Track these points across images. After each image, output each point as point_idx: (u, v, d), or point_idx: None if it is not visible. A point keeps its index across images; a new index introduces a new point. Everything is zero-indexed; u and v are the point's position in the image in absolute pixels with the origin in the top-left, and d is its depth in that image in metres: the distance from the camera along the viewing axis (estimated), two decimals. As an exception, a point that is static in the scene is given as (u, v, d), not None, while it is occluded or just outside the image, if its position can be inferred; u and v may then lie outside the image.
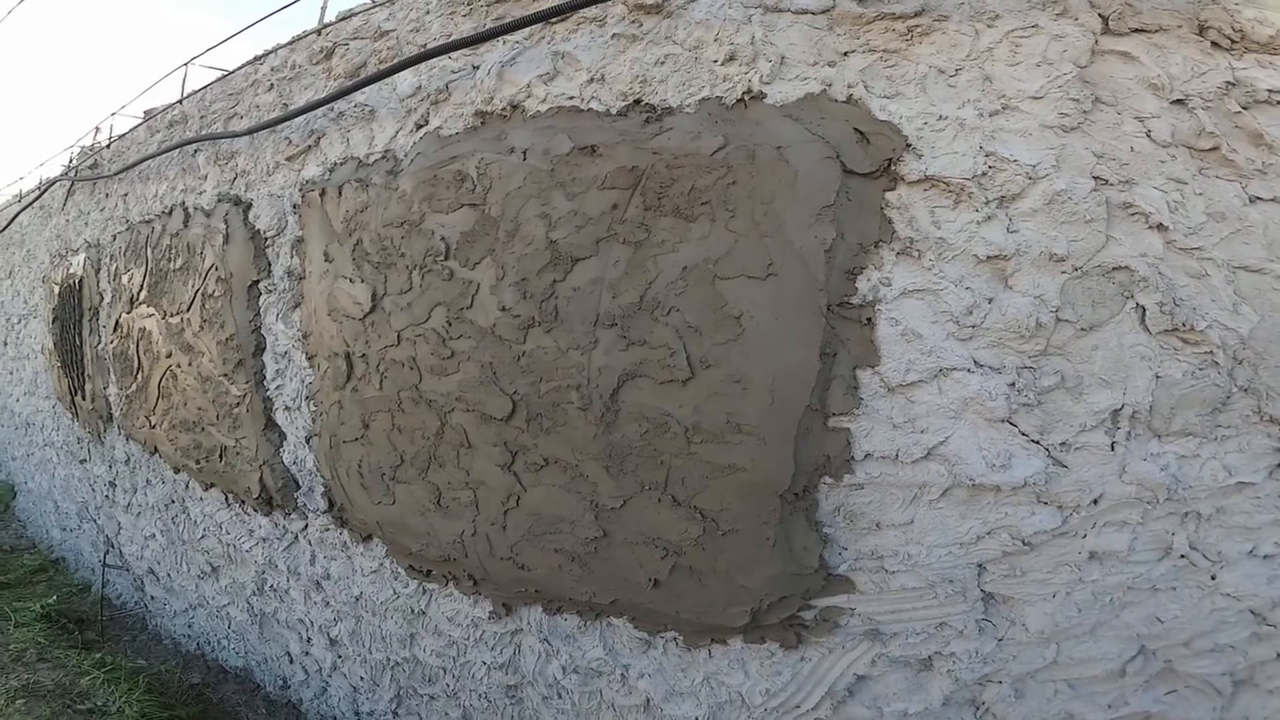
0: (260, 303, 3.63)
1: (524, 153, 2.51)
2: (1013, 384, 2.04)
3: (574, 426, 2.46)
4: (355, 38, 3.26)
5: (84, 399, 5.43)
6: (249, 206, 3.70)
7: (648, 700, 2.57)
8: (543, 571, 2.68)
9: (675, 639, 2.48)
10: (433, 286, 2.71)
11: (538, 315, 2.45)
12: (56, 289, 5.74)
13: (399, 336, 2.85)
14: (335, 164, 3.23)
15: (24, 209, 6.50)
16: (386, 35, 3.12)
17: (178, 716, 4.08)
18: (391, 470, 3.04)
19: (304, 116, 3.38)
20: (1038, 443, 2.07)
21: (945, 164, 2.02)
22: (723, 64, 2.24)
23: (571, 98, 2.49)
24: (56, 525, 6.59)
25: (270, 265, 3.58)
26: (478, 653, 3.04)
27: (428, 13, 2.97)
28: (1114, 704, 2.13)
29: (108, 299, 4.99)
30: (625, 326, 2.30)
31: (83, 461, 5.82)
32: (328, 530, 3.58)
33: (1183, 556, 2.06)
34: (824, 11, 2.15)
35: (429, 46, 2.89)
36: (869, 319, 2.09)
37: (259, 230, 3.61)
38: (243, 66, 4.09)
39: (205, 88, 4.38)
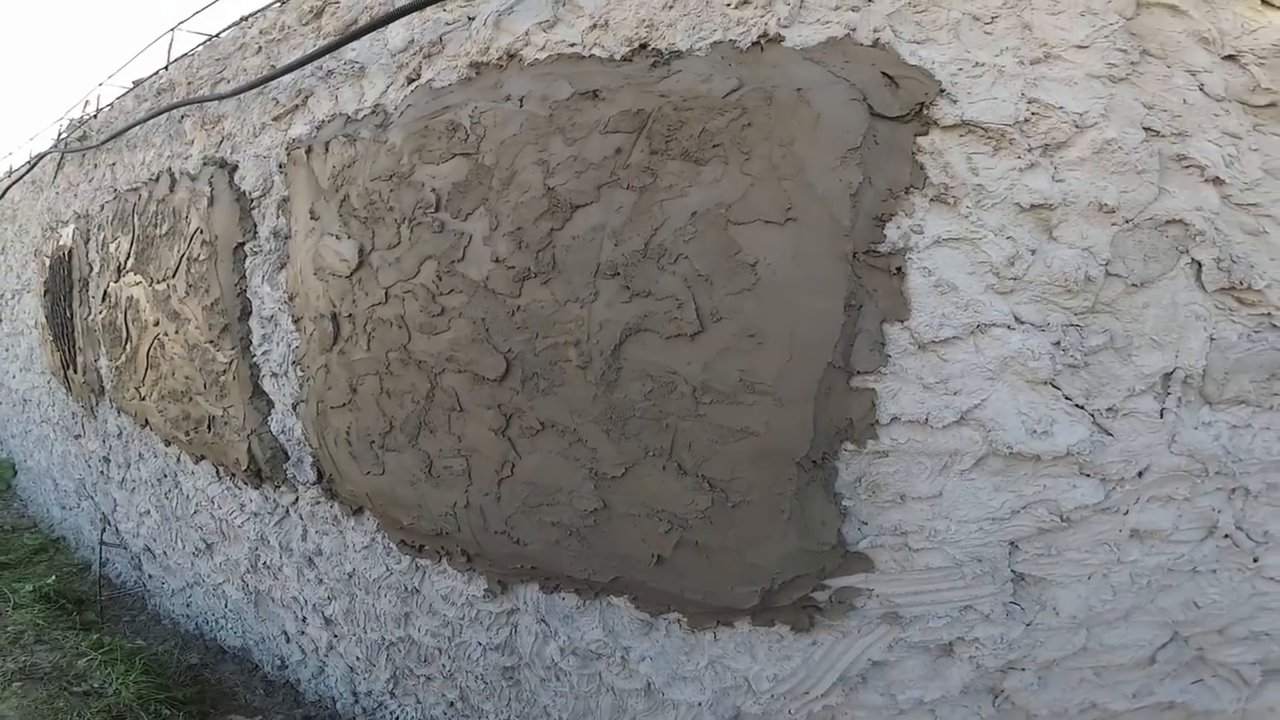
0: (246, 265, 3.37)
1: (520, 100, 2.25)
2: (1057, 343, 1.82)
3: (572, 387, 2.21)
4: (346, -7, 2.99)
5: (76, 372, 5.16)
6: (234, 168, 3.43)
7: (649, 684, 2.34)
8: (539, 546, 2.44)
9: (679, 620, 2.25)
10: (422, 240, 2.45)
11: (534, 266, 2.20)
12: (47, 262, 5.47)
13: (387, 294, 2.59)
14: (323, 121, 2.97)
15: (14, 183, 6.21)
16: None
17: (175, 698, 3.84)
18: (380, 438, 2.79)
19: (292, 76, 3.11)
20: (1082, 408, 1.86)
21: (984, 109, 1.78)
22: (736, 7, 1.99)
23: (573, 45, 2.23)
24: (56, 503, 6.33)
25: (256, 227, 3.31)
26: (473, 633, 2.81)
27: None
28: (1139, 693, 1.96)
29: (96, 269, 4.72)
30: (628, 276, 2.05)
31: (77, 437, 5.56)
32: (318, 504, 3.33)
33: (1226, 536, 1.88)
34: None
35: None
36: (898, 268, 1.85)
37: (245, 191, 3.35)
38: (230, 28, 3.81)
39: (191, 52, 4.10)
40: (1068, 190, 1.77)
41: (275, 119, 3.23)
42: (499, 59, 2.37)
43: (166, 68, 4.22)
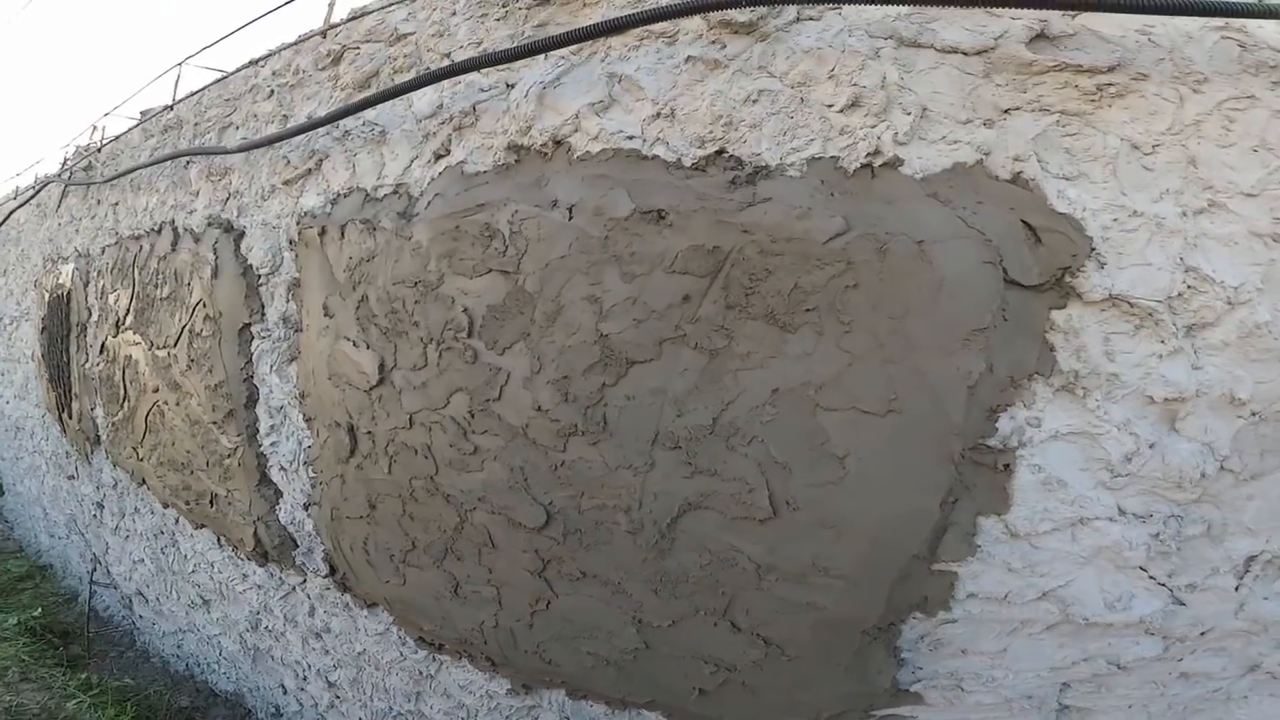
0: (253, 349, 3.06)
1: (569, 209, 1.95)
2: (1157, 534, 1.59)
3: (619, 547, 1.95)
4: (368, 40, 2.64)
5: (70, 417, 4.87)
6: (241, 235, 3.12)
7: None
8: (572, 668, 2.22)
9: None
10: (453, 368, 2.16)
11: (581, 423, 1.92)
12: (46, 296, 5.16)
13: (411, 419, 2.30)
14: (339, 195, 2.65)
15: (19, 207, 5.88)
16: (404, 39, 2.49)
17: None
18: (402, 554, 2.52)
19: (305, 135, 2.80)
20: (1164, 585, 1.65)
21: (1134, 279, 1.49)
22: (842, 110, 1.65)
23: (631, 137, 1.89)
24: (45, 531, 6.06)
25: (264, 308, 3.00)
26: None
27: (453, 14, 2.33)
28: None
29: (95, 316, 4.41)
30: (691, 451, 1.78)
31: (71, 477, 5.27)
32: (329, 590, 3.07)
33: (1268, 673, 1.73)
34: (980, 52, 1.57)
35: (454, 55, 2.29)
36: (1006, 465, 1.58)
37: (251, 265, 3.03)
38: (242, 69, 3.49)
39: (201, 90, 3.77)
40: (1203, 380, 1.51)
41: (286, 183, 2.91)
42: (543, 144, 2.04)
43: (173, 106, 3.90)
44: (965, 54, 1.58)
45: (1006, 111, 1.57)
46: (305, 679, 3.42)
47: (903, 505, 1.61)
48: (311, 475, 2.84)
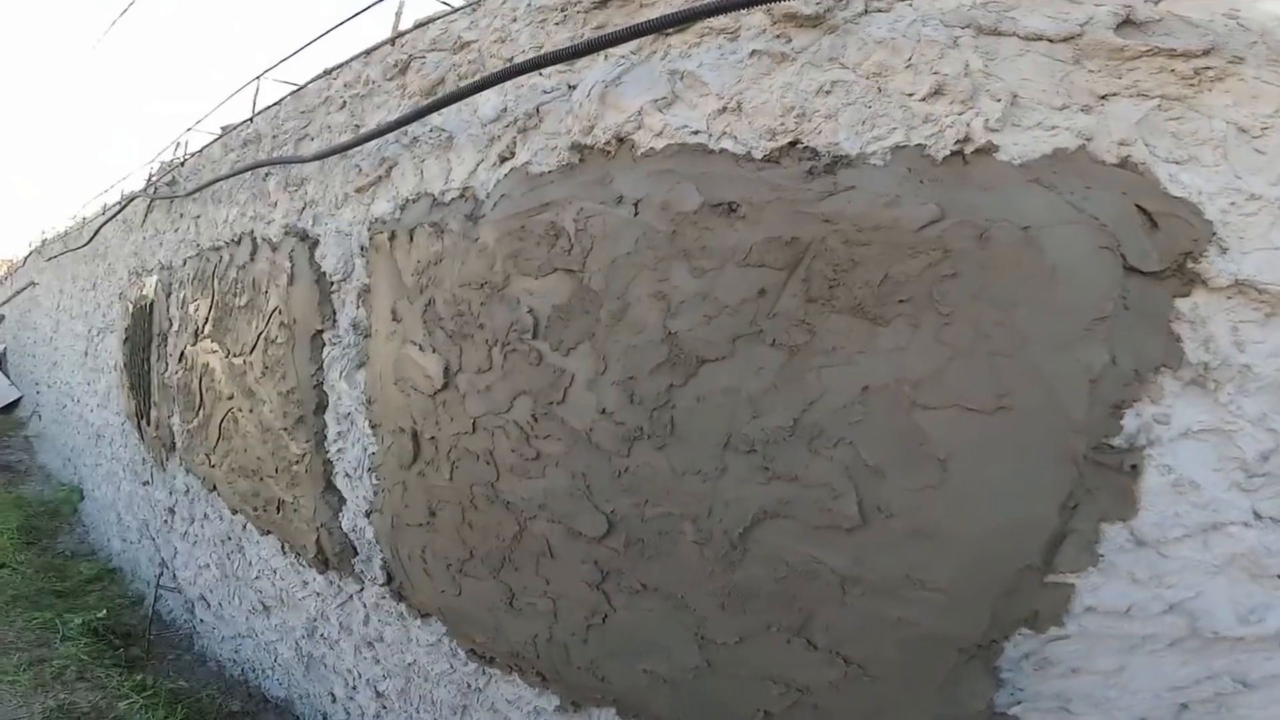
0: (324, 355, 3.07)
1: (635, 205, 1.88)
2: None
3: (684, 559, 1.84)
4: (433, 49, 2.67)
5: (149, 425, 5.00)
6: (315, 244, 3.16)
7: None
8: (625, 687, 2.09)
9: None
10: (516, 370, 2.11)
11: (647, 426, 1.83)
12: (130, 308, 5.34)
13: (474, 424, 2.25)
14: (407, 200, 2.66)
15: (106, 222, 6.13)
16: (468, 46, 2.51)
17: None
18: (459, 563, 2.46)
19: (375, 142, 2.84)
20: None
21: (1260, 264, 1.34)
22: (924, 99, 1.55)
23: (696, 132, 1.83)
24: (118, 536, 6.22)
25: (335, 314, 3.02)
26: None
27: (514, 20, 2.34)
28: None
29: (175, 326, 4.54)
30: (768, 455, 1.66)
31: (145, 483, 5.41)
32: (384, 599, 3.04)
33: None
34: (1067, 39, 1.46)
35: (516, 60, 2.28)
36: (1134, 466, 1.42)
37: (325, 272, 3.06)
38: (315, 80, 3.56)
39: (278, 104, 3.88)
40: None
41: (358, 190, 2.94)
42: (606, 143, 2.00)
43: (252, 119, 4.01)
44: (1051, 41, 1.48)
45: (1104, 97, 1.45)
46: (355, 688, 3.38)
47: (1015, 511, 1.46)
48: (375, 482, 2.82)
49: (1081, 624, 1.53)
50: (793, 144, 1.70)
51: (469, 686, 2.69)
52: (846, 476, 1.58)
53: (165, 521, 5.13)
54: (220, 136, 4.54)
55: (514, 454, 2.13)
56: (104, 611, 5.10)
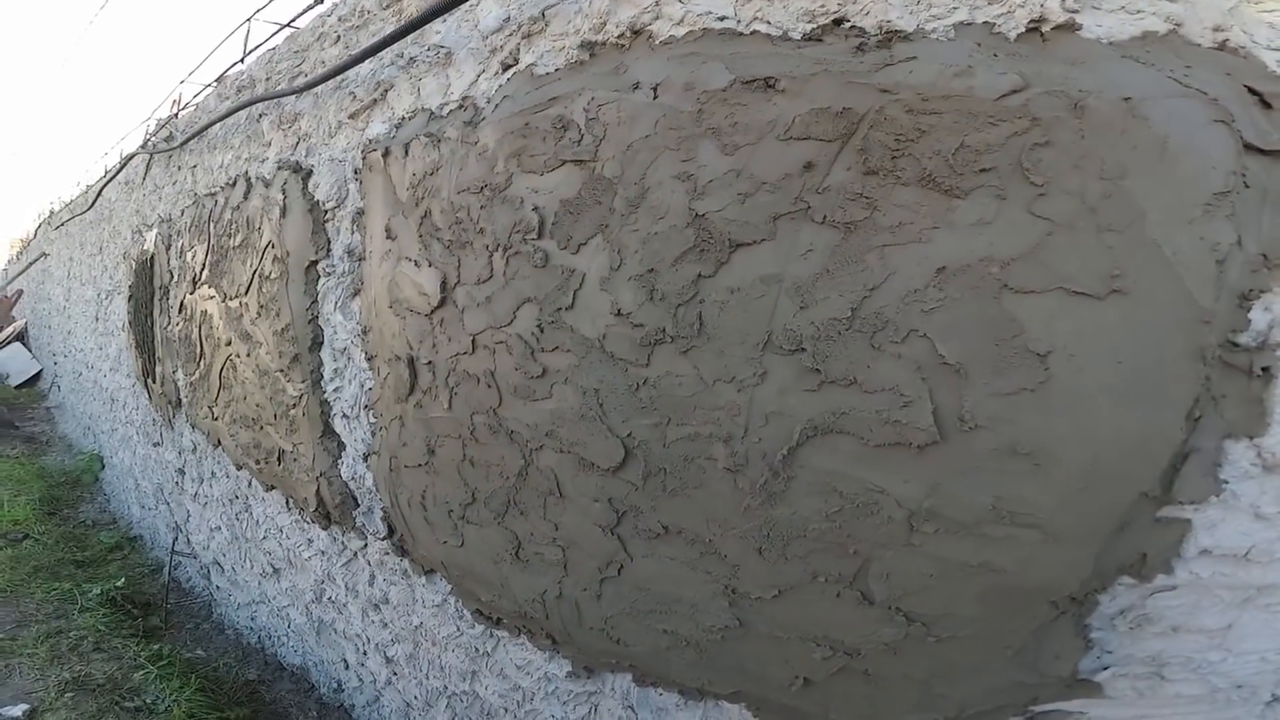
0: (319, 288, 2.78)
1: (654, 88, 1.57)
2: None
3: (715, 492, 1.53)
4: (430, -32, 2.38)
5: (155, 381, 4.75)
6: (309, 174, 2.86)
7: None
8: (643, 650, 1.81)
9: None
10: (520, 275, 1.80)
11: (670, 326, 1.51)
12: (133, 265, 5.08)
13: (474, 342, 1.95)
14: (404, 119, 2.36)
15: (106, 183, 5.87)
16: None
17: (226, 718, 3.49)
18: (461, 508, 2.17)
19: (370, 67, 2.55)
20: None
21: None
22: None
23: (723, 18, 1.52)
24: (136, 503, 6.00)
25: (330, 243, 2.72)
26: (546, 705, 2.21)
27: None
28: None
29: (175, 277, 4.26)
30: (820, 355, 1.34)
31: (156, 444, 5.17)
32: (388, 554, 2.77)
33: None
34: None
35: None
36: (1265, 368, 1.13)
37: (318, 201, 2.76)
38: (303, 13, 3.27)
39: (270, 45, 3.59)
40: None
41: (351, 116, 2.65)
42: (619, 36, 1.69)
43: (243, 60, 3.71)
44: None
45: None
46: (365, 653, 3.16)
47: (1133, 422, 1.15)
48: (372, 421, 2.53)
49: (1193, 570, 1.24)
50: (837, 22, 1.40)
51: (477, 650, 2.45)
52: (920, 378, 1.27)
53: (176, 484, 4.90)
54: (215, 85, 4.26)
55: (517, 372, 1.82)
56: (122, 580, 4.91)
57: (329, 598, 3.33)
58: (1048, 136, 1.17)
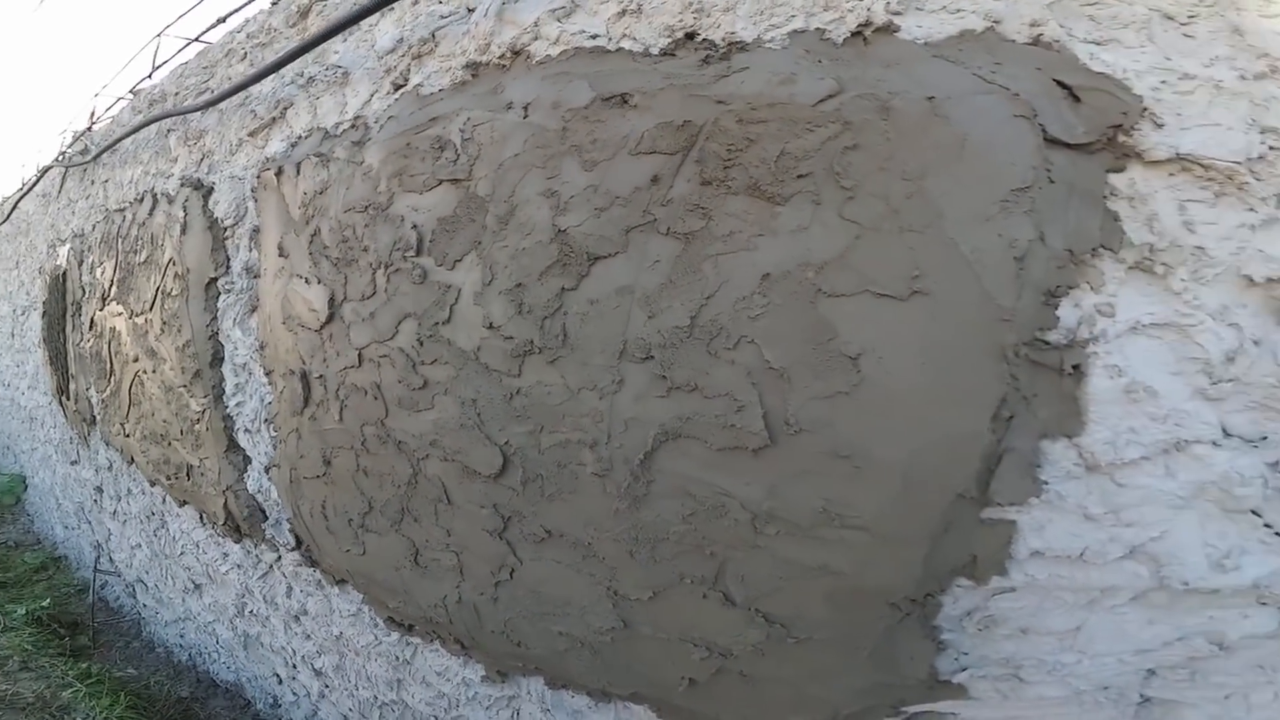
0: (219, 304, 2.68)
1: (525, 108, 1.56)
2: (1275, 463, 1.15)
3: (587, 496, 1.53)
4: (336, -9, 2.32)
5: (69, 399, 4.53)
6: (210, 191, 2.76)
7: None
8: (543, 652, 1.79)
9: None
10: (401, 292, 1.77)
11: (538, 338, 1.51)
12: (47, 280, 4.83)
13: (360, 356, 1.91)
14: (300, 137, 2.30)
15: (22, 196, 5.57)
16: None
17: None
18: (360, 517, 2.13)
19: (271, 86, 2.48)
20: None
21: (1203, 139, 1.09)
22: None
23: (595, 36, 1.53)
24: (59, 522, 5.69)
25: (229, 260, 2.63)
26: (471, 711, 2.17)
27: None
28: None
29: (86, 293, 4.07)
30: (666, 362, 1.35)
31: (74, 463, 4.92)
32: (301, 565, 2.69)
33: None
34: None
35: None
36: (1076, 366, 1.15)
37: (218, 219, 2.67)
38: (210, 28, 3.17)
39: (179, 58, 3.48)
40: None
41: (251, 134, 2.57)
42: (500, 56, 1.69)
43: (150, 75, 3.58)
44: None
45: (1010, -17, 1.19)
46: (295, 666, 3.04)
47: (941, 422, 1.16)
48: (273, 434, 2.46)
49: (1028, 572, 1.25)
50: (689, 36, 1.42)
51: (398, 659, 2.39)
52: (750, 383, 1.27)
53: (95, 502, 4.66)
54: (130, 99, 4.09)
55: (401, 385, 1.79)
56: (48, 601, 4.64)
57: (251, 611, 3.20)
58: (857, 140, 1.18)
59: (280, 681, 3.23)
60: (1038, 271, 1.11)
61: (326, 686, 2.86)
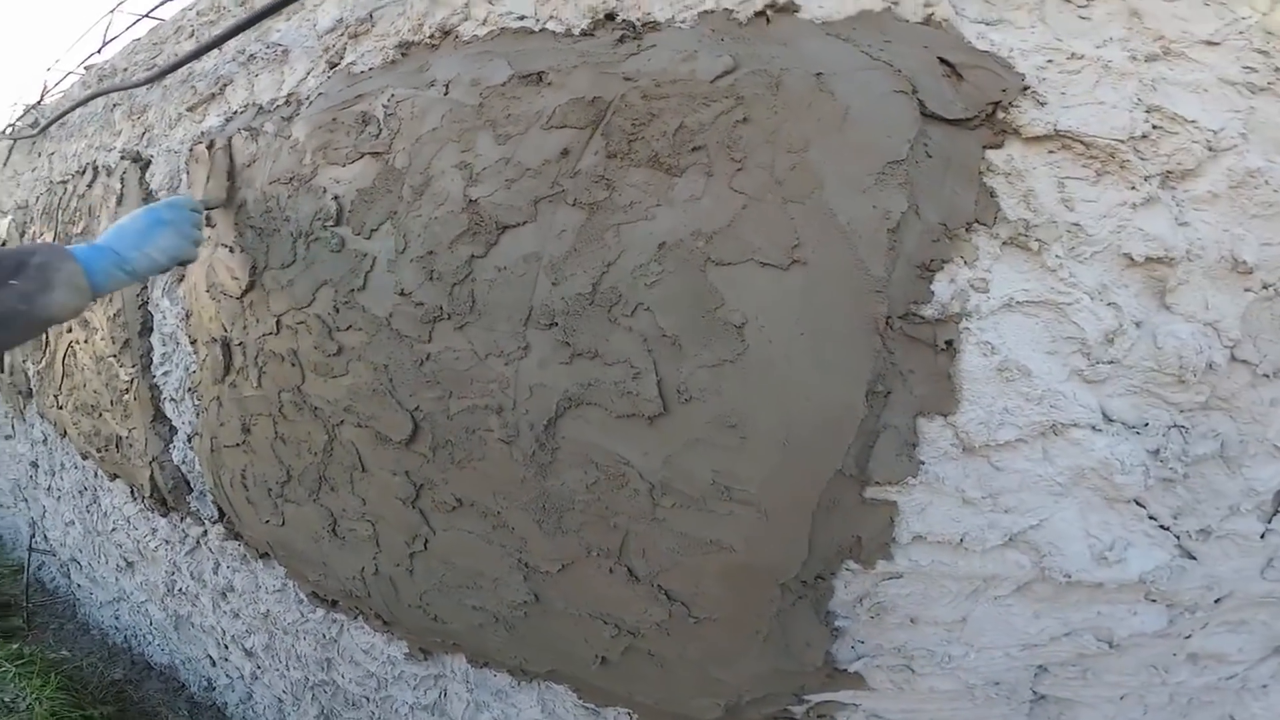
0: (149, 274, 2.59)
1: (446, 86, 1.52)
2: (1156, 451, 1.12)
3: (495, 462, 1.49)
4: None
5: (4, 372, 4.31)
6: (148, 164, 2.65)
7: (597, 764, 1.63)
8: (460, 627, 1.73)
9: (629, 714, 1.57)
10: (319, 260, 1.70)
11: (447, 304, 1.46)
12: (-12, 253, 4.59)
13: (278, 323, 1.84)
14: (235, 112, 2.22)
15: (-33, 169, 5.30)
16: None
17: (91, 717, 3.21)
18: (278, 486, 2.05)
19: (214, 63, 2.39)
20: (1166, 529, 1.17)
21: (1085, 117, 1.07)
22: None
23: (522, 17, 1.50)
24: (-5, 501, 5.42)
25: (161, 230, 2.54)
26: (399, 690, 2.11)
27: None
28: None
29: (25, 265, 3.88)
30: (569, 329, 1.31)
31: (8, 437, 4.67)
32: (227, 539, 2.59)
33: None
34: None
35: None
36: (948, 341, 1.13)
37: (153, 190, 2.57)
38: (159, 4, 3.04)
39: (130, 34, 3.34)
40: (1193, 239, 1.07)
41: (190, 109, 2.47)
42: (431, 36, 1.66)
43: (100, 50, 3.44)
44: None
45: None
46: (226, 647, 2.92)
47: (817, 393, 1.13)
48: (195, 403, 2.36)
49: (912, 557, 1.22)
50: (609, 17, 1.40)
51: (325, 637, 2.30)
52: (645, 350, 1.24)
53: (30, 478, 4.43)
54: (81, 74, 3.92)
55: (317, 351, 1.73)
56: (-25, 583, 4.42)
57: (180, 589, 3.07)
58: (748, 114, 1.16)
59: (214, 663, 3.11)
60: (911, 244, 1.10)
61: (259, 667, 2.76)
